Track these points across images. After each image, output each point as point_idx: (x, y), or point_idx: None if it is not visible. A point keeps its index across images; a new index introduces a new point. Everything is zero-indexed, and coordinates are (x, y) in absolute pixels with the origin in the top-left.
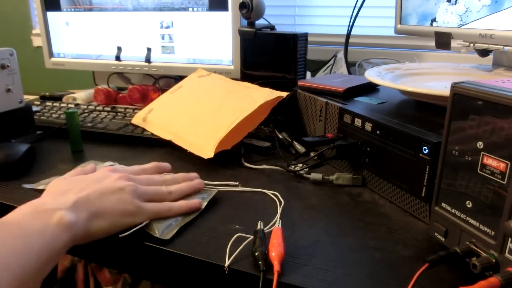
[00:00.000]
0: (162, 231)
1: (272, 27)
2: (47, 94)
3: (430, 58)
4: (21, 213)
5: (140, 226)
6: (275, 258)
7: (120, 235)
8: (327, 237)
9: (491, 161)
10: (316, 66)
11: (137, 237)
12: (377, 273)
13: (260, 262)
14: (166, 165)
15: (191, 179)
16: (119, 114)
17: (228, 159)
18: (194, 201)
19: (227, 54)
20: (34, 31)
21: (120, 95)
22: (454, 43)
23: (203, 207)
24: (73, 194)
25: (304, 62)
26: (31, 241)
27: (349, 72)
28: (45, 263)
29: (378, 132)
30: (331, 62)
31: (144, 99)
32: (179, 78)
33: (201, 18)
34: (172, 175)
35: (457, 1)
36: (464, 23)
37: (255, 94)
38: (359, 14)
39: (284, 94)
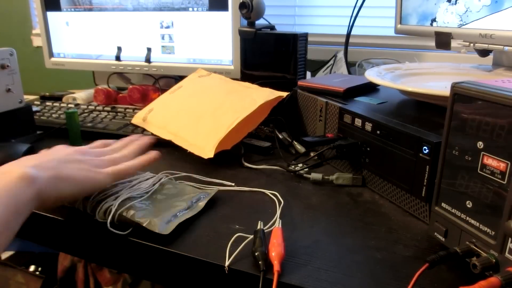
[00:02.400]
0: (162, 226)
1: (272, 27)
2: (47, 94)
3: (430, 58)
4: None
5: (140, 222)
6: (275, 258)
7: (123, 233)
8: (327, 237)
9: (491, 161)
10: (316, 66)
11: (137, 236)
12: (377, 273)
13: (260, 262)
14: (112, 140)
15: (138, 139)
16: (119, 114)
17: (228, 159)
18: (151, 153)
19: (227, 54)
20: (34, 31)
21: (120, 95)
22: (454, 43)
23: (201, 207)
24: (33, 160)
25: (304, 62)
26: None
27: (349, 72)
28: (14, 214)
29: (378, 132)
30: (331, 62)
31: (144, 99)
32: (179, 78)
33: (201, 18)
34: (119, 141)
35: (457, 1)
36: (464, 23)
37: (255, 94)
38: (359, 14)
39: (284, 94)
